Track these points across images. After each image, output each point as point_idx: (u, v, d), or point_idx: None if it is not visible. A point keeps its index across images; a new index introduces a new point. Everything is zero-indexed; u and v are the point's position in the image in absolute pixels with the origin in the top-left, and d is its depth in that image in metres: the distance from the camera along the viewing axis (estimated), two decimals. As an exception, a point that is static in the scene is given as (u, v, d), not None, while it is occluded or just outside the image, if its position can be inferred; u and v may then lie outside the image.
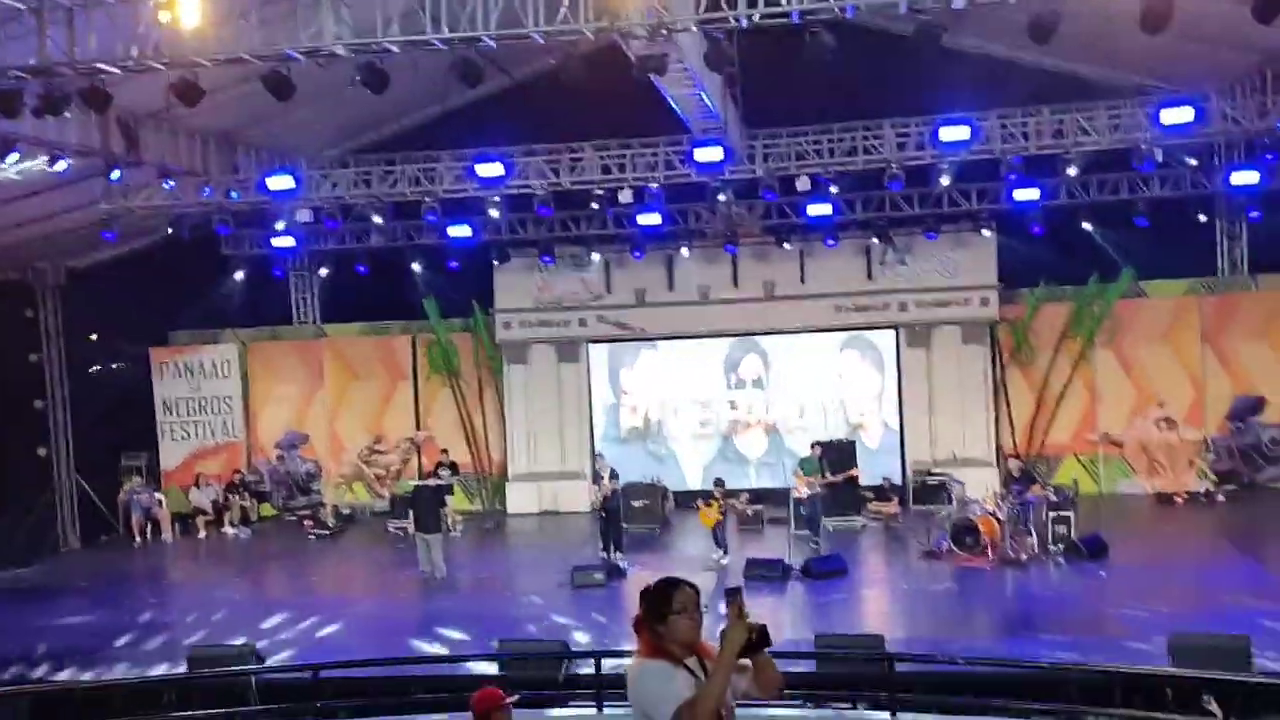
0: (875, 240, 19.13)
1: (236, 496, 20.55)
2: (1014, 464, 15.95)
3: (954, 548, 14.74)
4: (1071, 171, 15.91)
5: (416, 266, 20.13)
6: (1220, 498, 18.21)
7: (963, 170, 16.71)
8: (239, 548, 19.18)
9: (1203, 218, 18.61)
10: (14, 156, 11.80)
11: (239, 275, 20.38)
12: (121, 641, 12.73)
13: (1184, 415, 18.98)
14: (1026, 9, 9.90)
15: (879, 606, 13.12)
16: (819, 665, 9.89)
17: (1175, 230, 18.26)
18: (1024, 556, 14.36)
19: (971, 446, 19.10)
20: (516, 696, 5.73)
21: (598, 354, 20.73)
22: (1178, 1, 9.39)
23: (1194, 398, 18.97)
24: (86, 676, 11.36)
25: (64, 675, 11.46)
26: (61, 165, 12.89)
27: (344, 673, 10.12)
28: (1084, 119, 15.43)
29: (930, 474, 18.56)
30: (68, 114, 10.75)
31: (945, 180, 16.49)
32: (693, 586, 4.08)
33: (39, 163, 12.73)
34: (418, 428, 21.40)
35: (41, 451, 19.45)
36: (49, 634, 13.26)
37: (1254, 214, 18.41)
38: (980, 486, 17.15)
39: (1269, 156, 16.09)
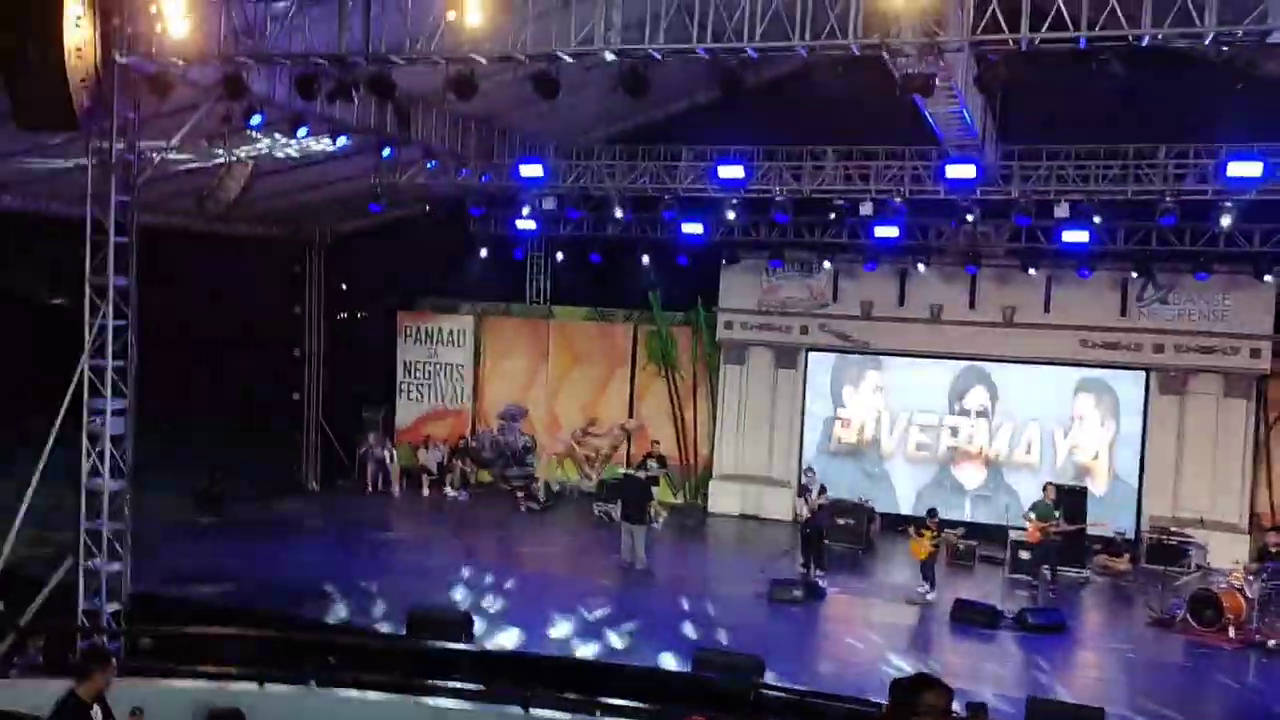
0: (1134, 274, 17.73)
1: (459, 461, 21.63)
2: (1272, 537, 14.40)
3: (1190, 619, 13.52)
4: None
5: (646, 258, 20.39)
6: None
7: (1247, 208, 15.17)
8: (458, 509, 20.20)
9: None
10: (302, 131, 12.75)
11: (483, 253, 21.30)
12: (350, 586, 13.69)
13: None
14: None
15: (1098, 674, 12.23)
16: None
17: None
18: (1272, 643, 12.98)
19: (1221, 510, 17.40)
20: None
21: (817, 362, 20.35)
22: None
23: None
24: (327, 617, 12.33)
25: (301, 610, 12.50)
26: (342, 141, 13.86)
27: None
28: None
29: (1169, 533, 17.08)
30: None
31: (1226, 221, 15.03)
32: (946, 690, 3.84)
33: (322, 139, 13.72)
34: (630, 415, 21.76)
35: (295, 396, 21.15)
36: (292, 568, 14.51)
37: None
38: (1226, 556, 15.75)
39: None
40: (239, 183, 15.42)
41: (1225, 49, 9.06)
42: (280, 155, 14.84)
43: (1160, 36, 8.86)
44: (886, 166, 16.22)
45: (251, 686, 9.50)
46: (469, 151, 16.87)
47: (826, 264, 19.49)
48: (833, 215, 17.21)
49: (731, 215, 17.49)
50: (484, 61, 10.57)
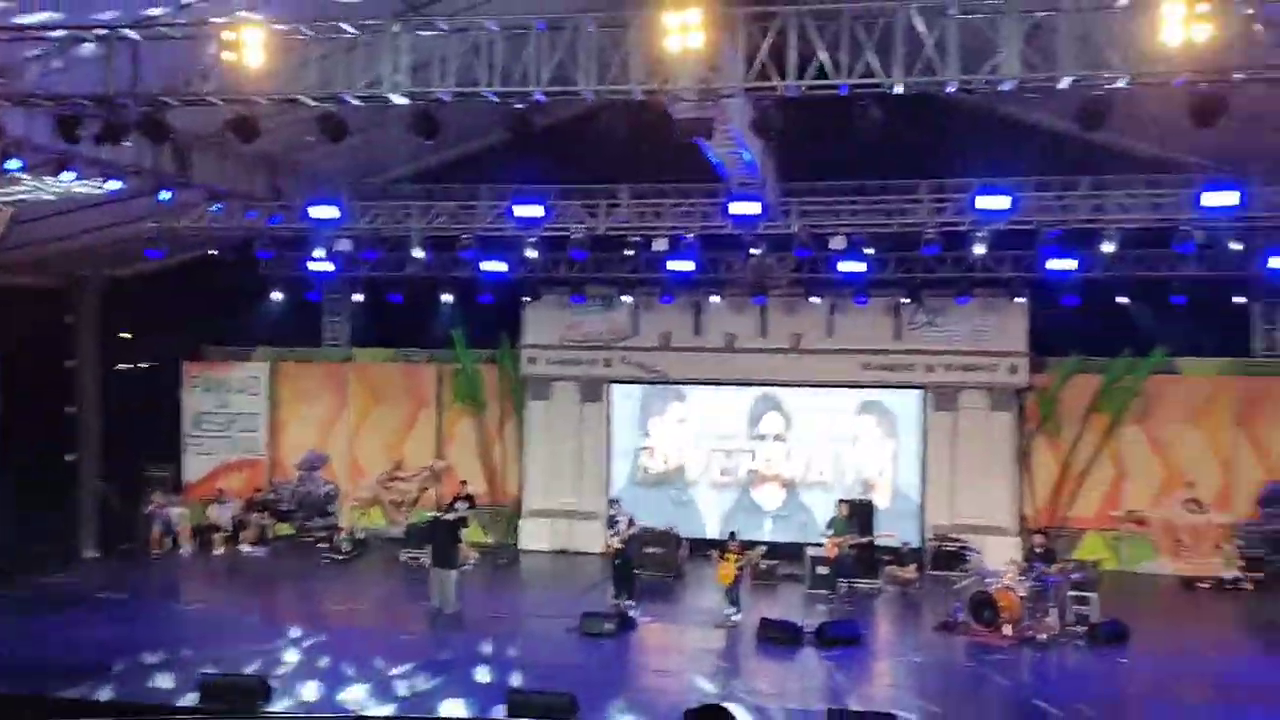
0: (905, 300, 19.11)
1: (255, 515, 20.65)
2: (1038, 538, 15.75)
3: (971, 621, 14.56)
4: (1108, 248, 15.83)
5: (447, 297, 20.27)
6: (1247, 585, 17.90)
7: (998, 236, 16.67)
8: (254, 566, 19.25)
9: (1239, 299, 18.45)
10: (68, 175, 11.99)
11: (276, 296, 20.54)
12: (135, 660, 12.77)
13: (1213, 498, 18.73)
14: (1076, 91, 9.93)
15: (890, 680, 12.97)
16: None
17: (1211, 310, 18.10)
18: (1043, 636, 14.16)
19: (993, 515, 18.94)
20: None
21: (620, 395, 20.76)
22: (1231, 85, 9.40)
23: (1224, 481, 18.72)
24: (101, 695, 11.41)
25: (75, 692, 11.50)
26: (114, 185, 13.11)
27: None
28: (1126, 196, 15.39)
29: (950, 540, 18.39)
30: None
31: (980, 249, 16.47)
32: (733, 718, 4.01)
33: (91, 182, 12.94)
34: (438, 457, 21.46)
35: (69, 457, 19.62)
36: (64, 646, 13.37)
37: (1292, 298, 18.24)
38: (1000, 555, 17.05)
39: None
40: (-3, 229, 14.30)
41: (968, 93, 9.96)
42: (46, 199, 13.89)
43: (910, 84, 9.71)
44: (676, 204, 16.87)
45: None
46: (256, 192, 16.32)
47: (626, 298, 19.97)
48: (629, 251, 17.68)
49: (532, 253, 17.66)
50: (264, 102, 10.32)
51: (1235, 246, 15.99)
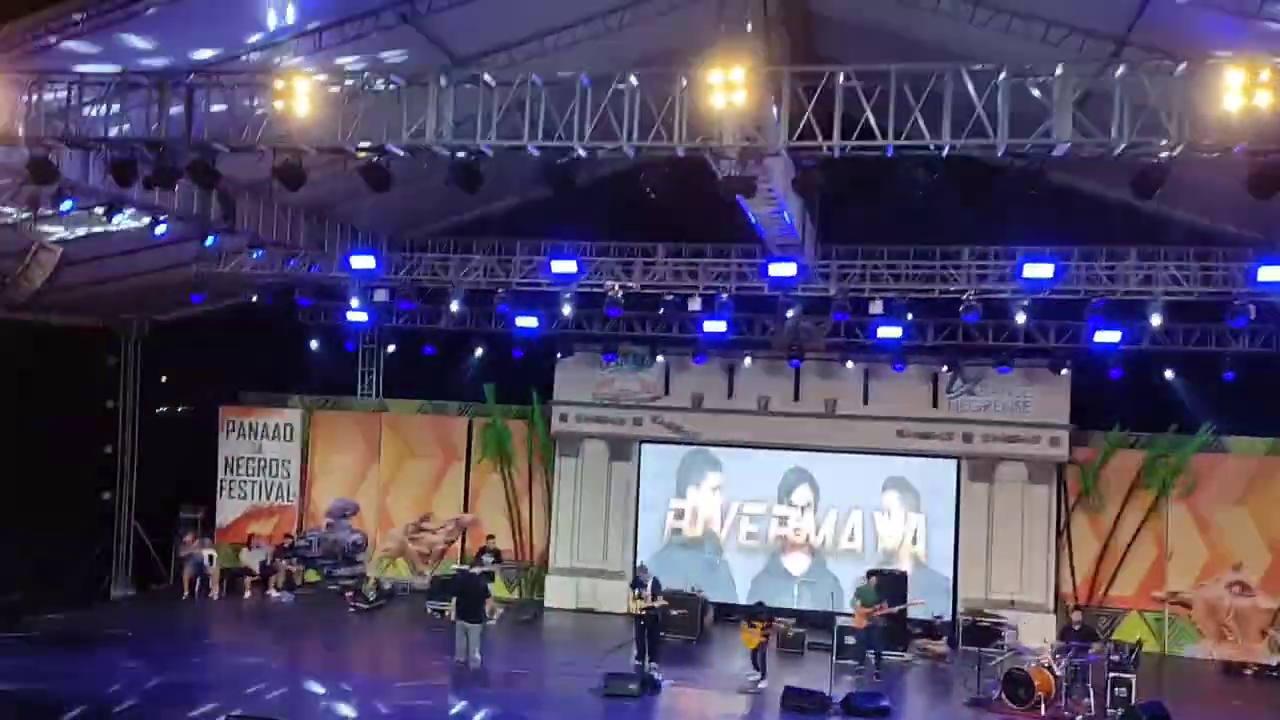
0: (944, 368, 18.87)
1: (284, 561, 20.62)
2: (1075, 616, 15.30)
3: (1005, 699, 14.10)
4: (1156, 320, 15.55)
5: (480, 351, 20.30)
6: (1292, 673, 17.23)
7: (1043, 306, 16.46)
8: (281, 611, 19.17)
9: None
10: (119, 218, 12.23)
11: (313, 344, 20.71)
12: (164, 702, 12.65)
13: (1260, 581, 18.12)
14: (1128, 159, 9.81)
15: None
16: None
17: (1262, 386, 17.60)
18: (1079, 718, 13.67)
19: (1029, 591, 18.44)
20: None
21: (651, 454, 20.56)
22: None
23: (1272, 563, 18.13)
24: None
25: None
26: (162, 229, 13.35)
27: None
28: (1176, 267, 15.18)
29: (983, 614, 17.89)
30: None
31: (1021, 318, 16.26)
32: None
33: (141, 224, 13.18)
34: (465, 510, 21.36)
35: (106, 495, 19.76)
36: (95, 681, 13.30)
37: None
38: (1036, 634, 16.57)
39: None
40: (45, 270, 14.56)
41: (1017, 160, 9.86)
42: (93, 242, 14.17)
43: (959, 146, 9.65)
44: (713, 263, 16.87)
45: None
46: (298, 241, 16.56)
47: (659, 357, 19.90)
48: (662, 311, 17.61)
49: (566, 309, 17.72)
50: (312, 151, 10.48)
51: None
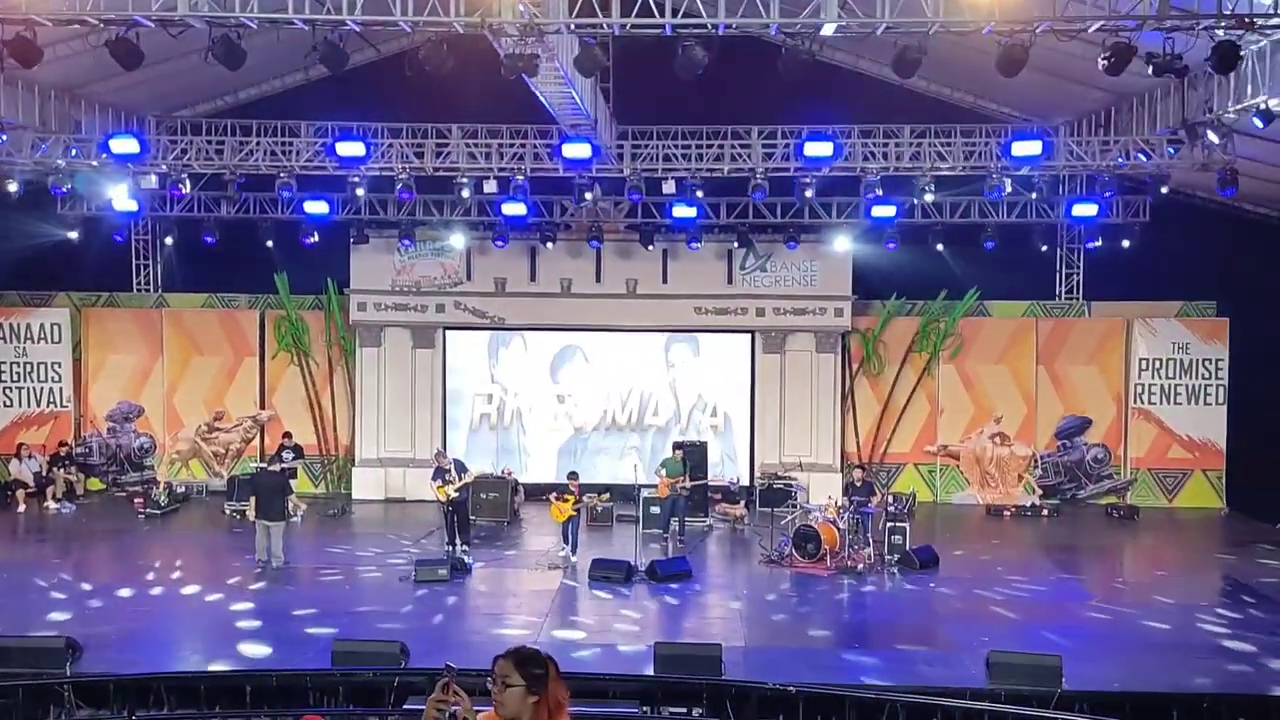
0: (736, 245, 19.42)
1: (61, 470, 19.38)
2: (857, 473, 16.49)
3: (795, 554, 15.14)
4: (928, 196, 16.46)
5: (269, 241, 19.28)
6: (1045, 512, 19.30)
7: (825, 183, 17.10)
8: (61, 523, 18.10)
9: (1044, 246, 19.58)
10: None
11: (73, 235, 19.08)
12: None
13: (1017, 431, 20.03)
14: (891, 39, 10.21)
15: (720, 613, 13.35)
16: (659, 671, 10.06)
17: (1019, 255, 19.14)
18: (860, 566, 14.88)
19: (819, 453, 19.73)
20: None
21: (455, 341, 20.39)
22: (1040, 38, 9.85)
23: (1027, 415, 20.04)
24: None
25: None
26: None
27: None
28: (941, 145, 16.03)
29: (777, 477, 19.01)
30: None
31: (809, 194, 16.85)
32: (503, 657, 3.97)
33: None
34: (262, 406, 20.63)
35: None
36: None
37: (1091, 244, 19.49)
38: (824, 492, 17.75)
39: (1108, 193, 17.14)
40: None
41: (789, 39, 10.06)
42: None
43: (734, 25, 9.73)
44: (508, 144, 16.51)
45: None
46: (49, 124, 15.05)
47: (458, 242, 19.52)
48: (463, 194, 17.16)
49: (359, 193, 17.01)
50: (47, 24, 9.44)
51: (1033, 195, 16.91)
